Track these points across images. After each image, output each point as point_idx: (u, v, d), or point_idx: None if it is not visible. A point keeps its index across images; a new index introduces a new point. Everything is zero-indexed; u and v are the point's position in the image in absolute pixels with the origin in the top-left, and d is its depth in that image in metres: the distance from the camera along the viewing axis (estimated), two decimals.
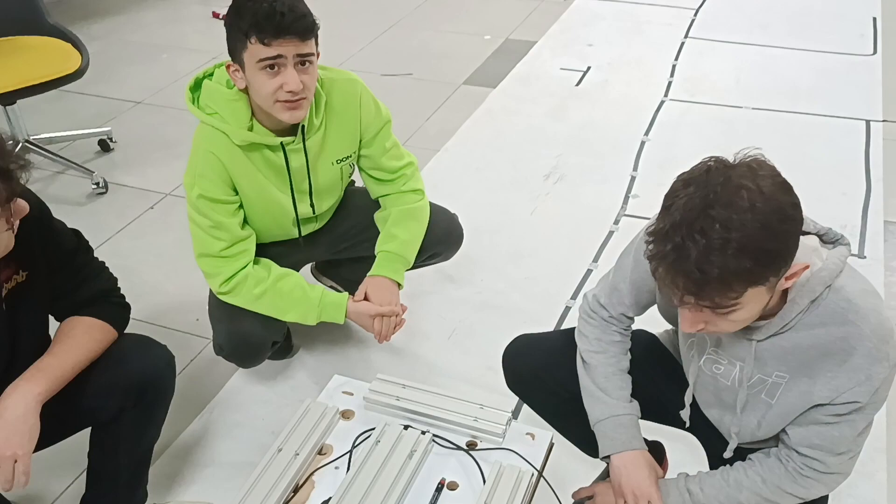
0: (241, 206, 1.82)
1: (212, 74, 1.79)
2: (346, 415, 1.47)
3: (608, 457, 1.42)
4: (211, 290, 1.89)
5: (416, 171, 2.03)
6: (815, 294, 1.18)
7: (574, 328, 1.53)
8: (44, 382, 1.31)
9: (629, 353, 1.49)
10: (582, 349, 1.48)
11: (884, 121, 3.21)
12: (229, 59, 1.71)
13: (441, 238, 2.08)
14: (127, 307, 1.55)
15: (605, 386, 1.43)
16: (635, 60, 3.82)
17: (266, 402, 2.06)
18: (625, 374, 1.46)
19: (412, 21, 4.41)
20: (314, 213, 1.96)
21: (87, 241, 1.52)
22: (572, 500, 1.56)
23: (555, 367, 1.53)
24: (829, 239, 1.26)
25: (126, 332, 1.55)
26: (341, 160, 1.91)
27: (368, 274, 1.95)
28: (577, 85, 3.61)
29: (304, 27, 1.63)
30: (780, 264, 1.09)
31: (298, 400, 1.90)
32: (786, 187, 1.11)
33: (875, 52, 3.80)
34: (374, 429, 1.41)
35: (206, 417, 2.03)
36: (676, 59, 3.82)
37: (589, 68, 3.74)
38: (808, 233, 1.24)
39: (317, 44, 1.69)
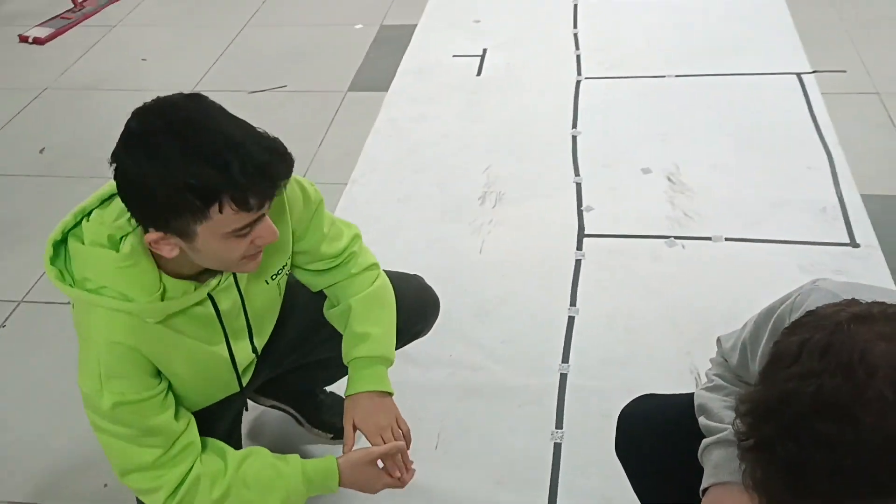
0: (168, 391, 1.29)
1: (76, 227, 1.21)
2: None
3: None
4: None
5: (361, 242, 1.56)
6: None
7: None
8: None
9: None
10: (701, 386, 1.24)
11: (814, 72, 2.97)
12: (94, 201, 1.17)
13: (416, 313, 1.66)
14: None
15: (721, 416, 1.15)
16: (531, 33, 3.42)
17: None
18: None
19: (265, 18, 3.80)
20: (256, 351, 1.46)
21: None
22: None
23: (680, 441, 1.20)
24: None
25: None
26: (276, 274, 1.42)
27: (345, 394, 1.50)
28: (479, 74, 3.17)
29: (290, 170, 1.14)
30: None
31: None
32: None
33: None
34: None
35: None
36: (575, 26, 3.44)
37: (485, 51, 3.30)
38: None
39: None
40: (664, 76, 3.04)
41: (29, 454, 1.85)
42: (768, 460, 0.79)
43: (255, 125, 1.13)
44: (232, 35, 3.64)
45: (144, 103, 1.10)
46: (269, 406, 1.85)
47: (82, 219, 1.20)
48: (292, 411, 1.85)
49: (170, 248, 1.13)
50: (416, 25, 3.56)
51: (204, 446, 1.34)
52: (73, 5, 3.88)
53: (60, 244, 1.20)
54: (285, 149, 1.12)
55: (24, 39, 3.69)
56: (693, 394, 1.25)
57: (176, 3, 4.01)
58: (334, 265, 1.52)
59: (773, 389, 0.80)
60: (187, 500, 1.29)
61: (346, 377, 1.53)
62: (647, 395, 1.36)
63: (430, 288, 1.72)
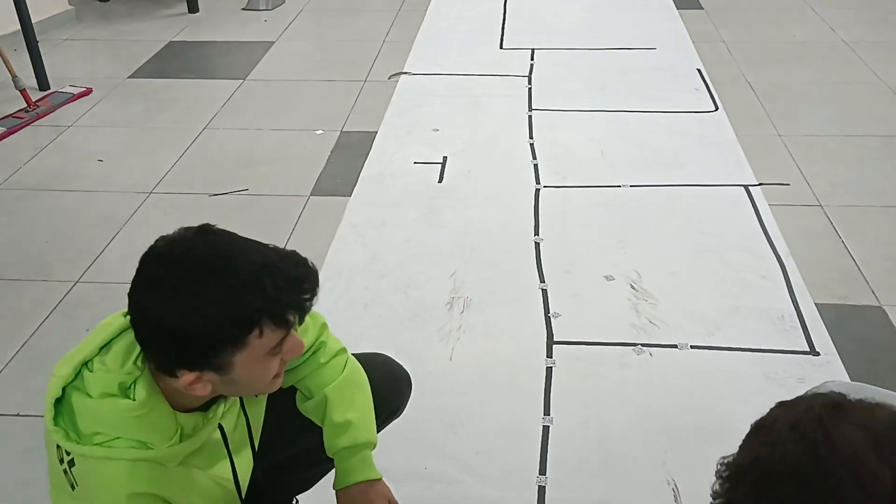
0: None
1: (74, 380, 1.13)
2: None
3: None
4: None
5: (328, 331, 1.53)
6: None
7: None
8: None
9: None
10: None
11: (760, 184, 3.12)
12: (93, 350, 1.13)
13: (392, 388, 1.64)
14: None
15: None
16: (490, 143, 3.51)
17: None
18: None
19: (225, 121, 3.82)
20: (254, 450, 1.40)
21: None
22: None
23: None
24: None
25: None
26: None
27: (334, 487, 1.45)
28: (440, 181, 3.22)
29: (317, 276, 1.15)
30: None
31: None
32: None
33: (717, 107, 3.78)
34: None
35: None
36: (531, 136, 3.55)
37: (445, 159, 3.38)
38: None
39: None
40: (619, 186, 3.14)
41: None
42: None
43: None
44: (191, 138, 3.64)
45: (155, 246, 1.08)
46: None
47: (81, 369, 1.13)
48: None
49: (203, 386, 1.10)
50: (376, 132, 3.63)
51: None
52: (26, 105, 3.84)
53: (61, 399, 1.13)
54: (306, 259, 1.12)
55: None
56: None
57: (133, 105, 4.01)
58: (304, 360, 1.49)
59: (747, 454, 0.88)
60: None
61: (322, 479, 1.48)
62: None
63: (399, 365, 1.71)
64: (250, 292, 1.04)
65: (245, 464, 1.37)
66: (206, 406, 1.21)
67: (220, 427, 1.25)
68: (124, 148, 3.58)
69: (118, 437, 1.10)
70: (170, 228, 1.12)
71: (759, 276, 2.61)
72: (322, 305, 2.48)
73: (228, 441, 1.28)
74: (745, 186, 3.11)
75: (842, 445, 0.83)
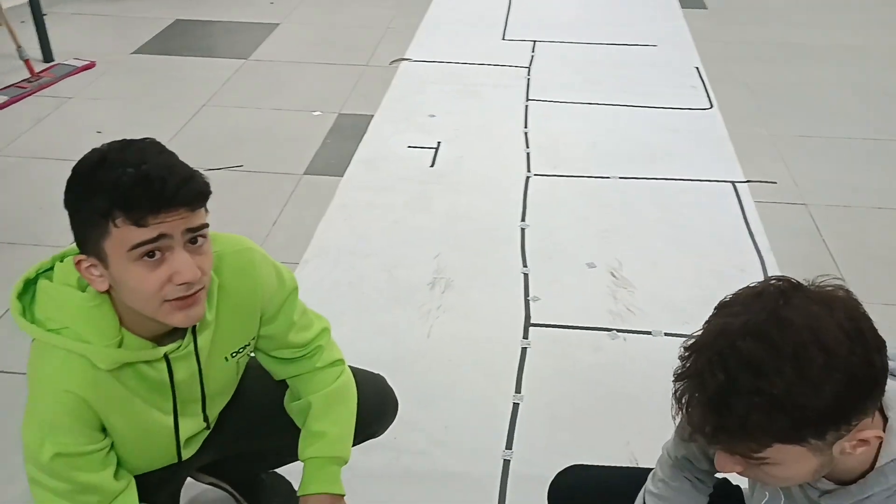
0: (111, 448, 1.28)
1: (49, 270, 1.24)
2: None
3: None
4: None
5: (329, 337, 1.57)
6: None
7: (642, 468, 1.36)
8: None
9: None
10: (646, 487, 1.28)
11: (747, 181, 3.16)
12: (75, 249, 1.19)
13: (375, 414, 1.66)
14: None
15: None
16: (485, 130, 3.56)
17: None
18: None
19: (224, 98, 3.87)
20: (208, 425, 1.45)
21: None
22: None
23: None
24: None
25: None
26: (237, 352, 1.43)
27: (298, 493, 1.49)
28: (432, 166, 3.27)
29: (195, 193, 1.15)
30: (825, 426, 0.89)
31: None
32: (860, 336, 0.89)
33: (711, 105, 3.81)
34: None
35: None
36: (526, 125, 3.59)
37: (439, 144, 3.42)
38: None
39: (207, 211, 1.21)
40: (608, 177, 3.18)
41: None
42: (697, 386, 0.90)
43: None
44: (190, 114, 3.69)
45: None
46: (209, 484, 1.82)
47: (56, 262, 1.23)
48: (233, 491, 1.81)
49: (98, 276, 1.16)
50: (372, 116, 3.67)
51: None
52: (30, 75, 3.89)
53: (31, 284, 1.22)
54: (191, 169, 1.16)
55: None
56: (622, 468, 1.42)
57: (135, 80, 4.06)
58: (299, 356, 1.53)
59: (711, 327, 0.93)
60: None
61: (292, 462, 1.52)
62: (575, 465, 1.44)
63: (391, 391, 1.72)
64: (108, 182, 1.11)
65: (191, 424, 1.41)
66: (162, 342, 1.26)
67: (170, 369, 1.29)
68: (123, 121, 3.63)
69: (65, 328, 1.18)
70: None
71: (737, 270, 2.65)
72: (307, 282, 2.57)
73: (175, 389, 1.32)
74: (733, 183, 3.15)
75: (803, 312, 0.88)
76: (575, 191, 3.10)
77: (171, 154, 1.20)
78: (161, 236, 1.13)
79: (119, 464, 1.32)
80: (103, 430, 1.27)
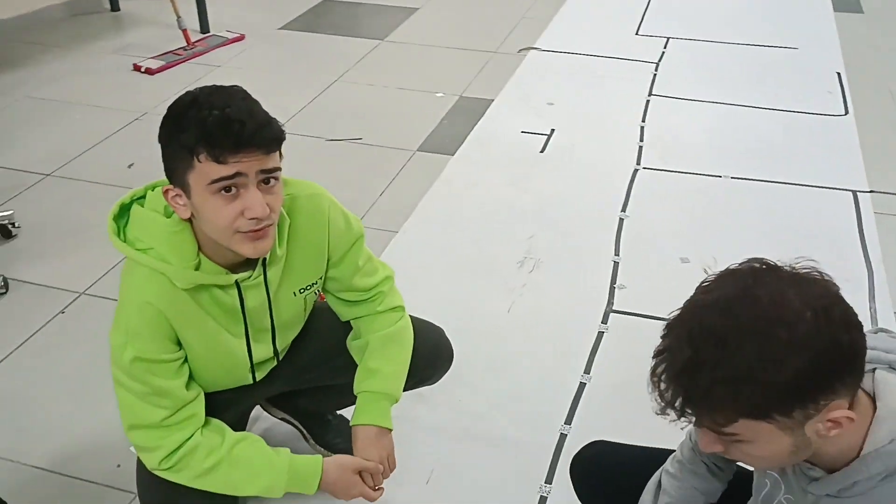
0: (185, 361, 1.43)
1: (142, 197, 1.41)
2: None
3: None
4: (139, 461, 1.50)
5: (392, 285, 1.69)
6: (894, 461, 0.93)
7: (665, 449, 1.38)
8: None
9: (710, 495, 1.28)
10: (664, 466, 1.31)
11: (871, 192, 3.00)
12: (165, 181, 1.35)
13: (430, 359, 1.76)
14: None
15: None
16: (600, 121, 3.56)
17: None
18: None
19: (356, 76, 4.06)
20: (276, 354, 1.59)
21: None
22: None
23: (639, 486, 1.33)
24: None
25: None
26: (305, 289, 1.56)
27: (351, 422, 1.62)
28: (542, 151, 3.31)
29: (270, 137, 1.28)
30: (790, 403, 0.90)
31: None
32: (828, 315, 0.90)
33: (847, 111, 3.63)
34: None
35: None
36: (644, 119, 3.56)
37: (553, 131, 3.45)
38: None
39: (281, 156, 1.34)
40: (720, 176, 3.12)
41: (58, 429, 2.01)
42: (668, 361, 0.94)
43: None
44: (323, 86, 3.91)
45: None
46: (280, 419, 1.96)
47: (146, 192, 1.40)
48: (301, 427, 1.95)
49: (183, 204, 1.31)
50: (492, 100, 3.75)
51: (207, 422, 1.47)
52: (185, 44, 4.24)
53: (126, 208, 1.39)
54: (269, 117, 1.29)
55: (137, 68, 4.05)
56: (646, 447, 1.42)
57: (277, 53, 4.34)
58: (362, 299, 1.65)
59: (686, 304, 0.97)
60: (180, 465, 1.41)
61: (353, 404, 1.64)
62: (599, 441, 1.49)
63: (448, 342, 1.82)
64: (196, 122, 1.24)
65: (261, 351, 1.55)
66: (235, 271, 1.40)
67: (241, 296, 1.43)
68: (261, 89, 3.80)
69: (150, 248, 1.34)
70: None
71: (841, 279, 2.52)
72: (402, 247, 2.70)
73: (246, 315, 1.46)
74: (854, 192, 3.00)
75: (771, 287, 0.91)
76: (682, 186, 3.06)
77: (254, 101, 1.33)
78: (237, 174, 1.27)
79: (192, 378, 1.47)
80: (179, 344, 1.43)
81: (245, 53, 4.32)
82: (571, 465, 1.47)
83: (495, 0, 5.12)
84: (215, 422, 1.50)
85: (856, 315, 0.92)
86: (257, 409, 1.95)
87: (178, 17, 4.22)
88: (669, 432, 1.95)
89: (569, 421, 2.03)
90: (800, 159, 3.24)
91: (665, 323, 0.98)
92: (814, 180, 3.08)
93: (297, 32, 4.63)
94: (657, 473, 1.32)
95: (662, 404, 0.96)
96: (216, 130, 1.24)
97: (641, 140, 3.40)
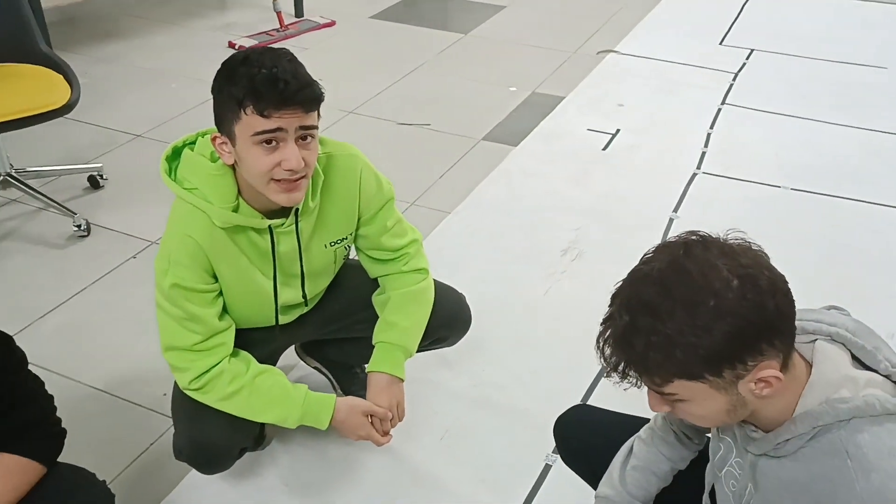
0: (219, 294, 1.59)
1: (193, 143, 1.57)
2: None
3: None
4: (176, 383, 1.66)
5: (419, 248, 1.81)
6: (819, 421, 1.00)
7: (643, 417, 1.44)
8: None
9: (677, 461, 1.35)
10: (639, 433, 1.38)
11: None
12: (215, 128, 1.50)
13: (446, 322, 1.86)
14: (60, 436, 1.33)
15: (622, 472, 1.36)
16: (668, 125, 3.58)
17: None
18: (651, 475, 1.34)
19: (435, 66, 4.20)
20: (305, 299, 1.73)
21: (21, 354, 1.29)
22: None
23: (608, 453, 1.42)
24: None
25: (65, 461, 1.33)
26: (336, 242, 1.69)
27: (367, 369, 1.74)
28: (605, 149, 3.37)
29: (311, 97, 1.41)
30: (718, 364, 0.96)
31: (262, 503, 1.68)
32: (754, 282, 0.96)
33: None
34: None
35: None
36: (712, 127, 3.57)
37: (618, 131, 3.50)
38: (873, 369, 1.07)
39: (319, 115, 1.47)
40: (779, 186, 3.11)
41: (115, 356, 2.21)
42: (610, 328, 1.01)
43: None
44: (402, 74, 4.06)
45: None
46: (314, 367, 2.11)
47: (197, 138, 1.56)
48: (330, 377, 2.09)
49: (228, 151, 1.45)
50: (564, 97, 3.83)
51: (235, 353, 1.62)
52: (279, 26, 4.47)
53: (178, 151, 1.55)
54: (312, 79, 1.41)
55: (231, 45, 4.30)
56: (624, 414, 1.49)
57: (364, 40, 4.53)
58: (389, 258, 1.78)
59: (628, 276, 1.04)
60: (207, 388, 1.56)
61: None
62: (581, 405, 1.58)
63: (468, 309, 1.92)
64: (246, 79, 1.36)
65: (290, 294, 1.68)
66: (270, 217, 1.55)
67: (273, 241, 1.57)
68: (342, 73, 4.08)
69: (196, 188, 1.50)
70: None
71: (886, 296, 2.51)
72: (452, 228, 2.81)
73: (277, 259, 1.60)
74: None
75: (701, 260, 0.97)
76: (739, 194, 3.06)
77: (299, 64, 1.47)
78: (278, 129, 1.41)
79: (225, 312, 1.63)
80: (215, 278, 1.58)
81: (333, 38, 4.52)
82: (555, 425, 1.55)
83: (584, 3, 5.18)
84: (243, 353, 1.65)
85: (784, 282, 0.98)
86: (294, 358, 2.11)
87: (275, 0, 4.45)
88: None
89: (586, 399, 2.10)
90: (871, 177, 3.19)
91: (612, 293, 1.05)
92: (881, 199, 3.03)
93: (386, 22, 4.81)
94: (631, 439, 1.39)
95: (608, 368, 1.04)
96: (263, 87, 1.38)
97: (706, 146, 3.41)
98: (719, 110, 3.73)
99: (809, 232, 2.84)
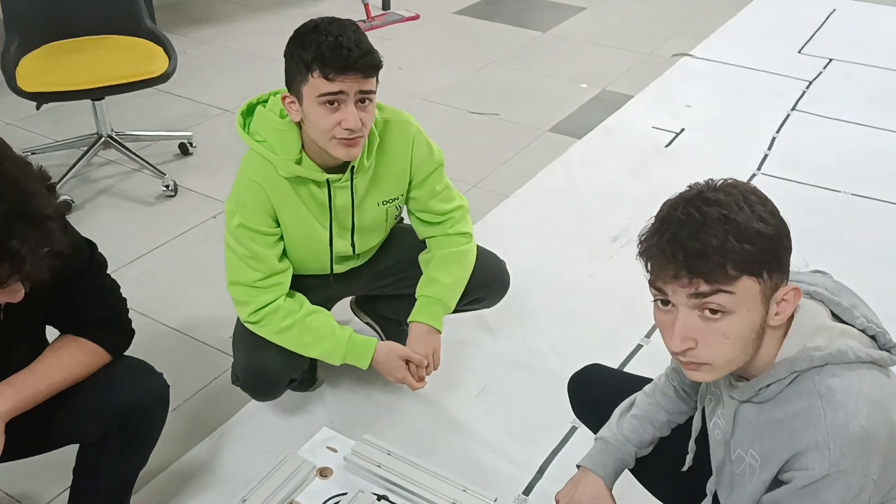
0: (280, 238, 1.78)
1: (266, 101, 1.76)
2: (324, 473, 1.40)
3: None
4: (238, 318, 1.86)
5: (465, 213, 1.97)
6: (795, 367, 1.10)
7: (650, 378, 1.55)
8: (11, 400, 1.29)
9: (674, 414, 1.46)
10: (644, 389, 1.52)
11: None
12: (285, 89, 1.69)
13: (485, 283, 2.01)
14: (129, 333, 1.52)
15: (620, 419, 1.48)
16: (734, 127, 3.63)
17: (276, 435, 2.00)
18: (648, 423, 1.46)
19: (510, 60, 4.35)
20: (354, 251, 1.90)
21: (102, 259, 1.49)
22: None
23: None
24: (882, 344, 1.16)
25: (129, 355, 1.52)
26: (388, 201, 1.86)
27: (408, 319, 1.91)
28: (667, 146, 3.45)
29: (370, 64, 1.59)
30: (774, 261, 1.06)
31: (308, 438, 1.85)
32: (774, 206, 1.11)
33: None
34: (346, 494, 1.32)
35: (215, 440, 1.99)
36: (778, 131, 3.60)
37: (682, 130, 3.58)
38: (850, 324, 1.16)
39: (377, 81, 1.64)
40: (839, 191, 3.13)
41: (190, 301, 2.45)
42: (670, 229, 1.07)
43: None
44: (478, 67, 4.22)
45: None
46: (366, 323, 2.29)
47: (269, 97, 1.76)
48: (380, 331, 2.27)
49: (295, 110, 1.63)
50: (633, 96, 3.92)
51: (291, 294, 1.81)
52: (365, 17, 4.69)
53: (253, 107, 1.75)
54: (372, 48, 1.58)
55: None
56: (635, 376, 1.62)
57: (445, 34, 4.71)
58: (436, 221, 1.94)
59: (663, 209, 1.13)
60: (264, 322, 1.76)
61: None
62: (596, 364, 1.70)
63: (506, 273, 2.07)
64: (314, 45, 1.55)
65: (341, 245, 1.86)
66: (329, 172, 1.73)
67: (330, 194, 1.75)
68: (422, 63, 4.26)
69: (265, 141, 1.69)
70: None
71: None
72: (509, 209, 2.96)
73: (332, 211, 1.78)
74: None
75: (724, 188, 1.10)
76: (796, 195, 3.10)
77: (363, 34, 1.65)
78: (340, 92, 1.59)
79: (285, 255, 1.82)
80: (277, 223, 1.77)
81: (416, 31, 4.72)
82: (569, 381, 1.67)
83: (665, 7, 5.23)
84: (298, 295, 1.84)
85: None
86: (348, 313, 2.29)
87: None
88: None
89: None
90: None
91: (641, 234, 1.13)
92: None
93: (469, 18, 4.98)
94: (635, 394, 1.51)
95: (659, 274, 1.07)
96: (329, 53, 1.56)
97: (769, 148, 3.45)
98: (788, 115, 3.75)
99: (868, 237, 2.86)
